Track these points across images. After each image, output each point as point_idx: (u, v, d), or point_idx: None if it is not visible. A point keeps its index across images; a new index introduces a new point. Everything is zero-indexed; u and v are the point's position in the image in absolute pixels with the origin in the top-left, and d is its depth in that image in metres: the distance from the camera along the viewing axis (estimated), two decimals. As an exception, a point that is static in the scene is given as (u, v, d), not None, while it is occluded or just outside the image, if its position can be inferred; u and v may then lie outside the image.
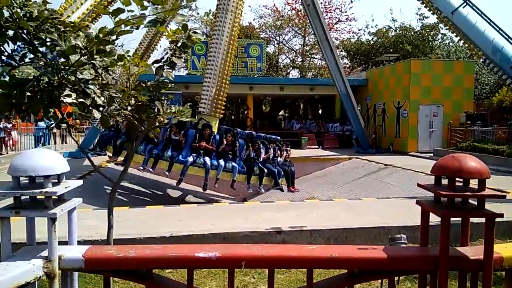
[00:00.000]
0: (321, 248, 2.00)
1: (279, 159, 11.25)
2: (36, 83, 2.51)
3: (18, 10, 2.66)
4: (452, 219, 1.79)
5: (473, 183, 1.85)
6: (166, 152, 9.74)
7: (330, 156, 17.60)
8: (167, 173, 9.93)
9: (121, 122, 10.64)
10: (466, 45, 14.87)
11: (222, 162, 9.88)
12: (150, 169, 10.06)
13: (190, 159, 9.63)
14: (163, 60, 3.68)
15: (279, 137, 12.63)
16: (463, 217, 1.91)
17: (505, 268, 1.85)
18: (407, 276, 4.34)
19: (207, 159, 9.80)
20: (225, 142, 10.03)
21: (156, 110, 3.68)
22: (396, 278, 2.16)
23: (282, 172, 10.95)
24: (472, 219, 1.92)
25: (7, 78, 2.74)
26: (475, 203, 1.87)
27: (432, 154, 16.46)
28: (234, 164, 10.03)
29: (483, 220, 1.80)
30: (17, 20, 2.60)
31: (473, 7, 13.39)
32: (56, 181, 1.93)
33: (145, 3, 2.71)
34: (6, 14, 2.59)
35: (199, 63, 23.37)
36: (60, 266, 1.81)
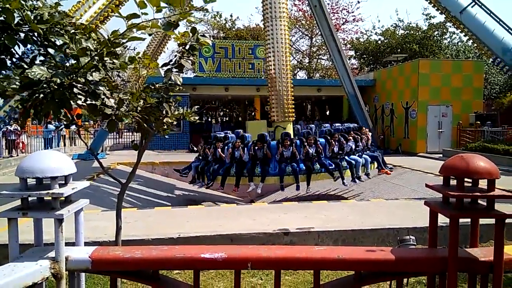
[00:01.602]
0: (328, 249, 1.98)
1: (359, 145, 10.92)
2: (46, 85, 2.53)
3: (29, 12, 2.69)
4: (461, 220, 1.77)
5: (483, 184, 1.82)
6: (256, 168, 9.81)
7: (338, 157, 17.50)
8: (259, 191, 9.96)
9: (202, 148, 10.78)
10: (475, 45, 14.72)
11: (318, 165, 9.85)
12: (259, 189, 10.05)
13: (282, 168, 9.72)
14: (171, 63, 3.69)
15: (355, 124, 12.49)
16: (472, 218, 1.88)
17: (516, 270, 1.82)
18: (416, 278, 4.29)
19: (295, 165, 9.78)
20: (333, 143, 9.96)
21: (164, 112, 3.70)
22: (405, 280, 2.13)
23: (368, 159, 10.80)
24: (482, 220, 1.89)
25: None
26: (485, 203, 1.84)
27: (441, 155, 16.29)
28: (322, 162, 9.95)
29: (493, 221, 1.77)
30: (28, 22, 2.63)
31: (482, 6, 13.25)
32: (63, 182, 1.95)
33: (162, 4, 2.72)
34: (17, 16, 2.62)
35: (206, 65, 23.45)
36: (67, 267, 1.82)
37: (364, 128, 11.61)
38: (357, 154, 10.54)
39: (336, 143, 10.05)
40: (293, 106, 11.98)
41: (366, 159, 10.39)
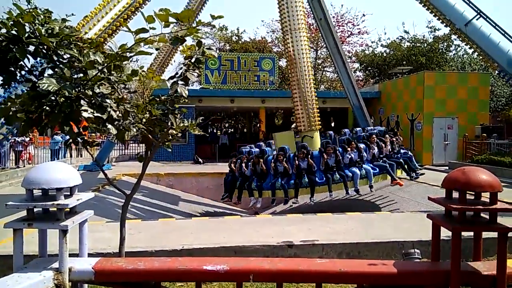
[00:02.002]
0: (330, 262, 1.98)
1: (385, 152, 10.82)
2: (54, 97, 2.58)
3: (40, 26, 2.76)
4: (466, 233, 1.76)
5: (486, 196, 1.82)
6: (303, 179, 9.85)
7: (343, 169, 17.42)
8: (312, 200, 10.00)
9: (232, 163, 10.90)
10: (481, 57, 14.72)
11: (357, 170, 9.93)
12: (297, 200, 10.09)
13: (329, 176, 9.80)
14: (177, 76, 3.74)
15: (382, 128, 12.31)
16: (475, 231, 1.87)
17: (519, 284, 1.80)
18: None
19: (341, 172, 9.87)
20: (325, 156, 9.89)
21: (169, 123, 3.73)
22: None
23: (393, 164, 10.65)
24: (489, 234, 1.87)
25: (18, 91, 2.84)
26: (488, 217, 1.83)
27: (447, 167, 16.18)
28: (367, 168, 9.97)
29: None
30: (39, 36, 2.69)
31: (487, 19, 13.28)
32: (69, 193, 1.97)
33: (170, 19, 2.77)
34: (28, 30, 2.68)
35: (212, 77, 23.62)
36: (70, 278, 1.84)
37: (375, 135, 10.83)
38: (360, 165, 10.33)
39: (331, 156, 9.94)
40: (319, 114, 12.00)
41: (367, 171, 10.15)
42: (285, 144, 10.76)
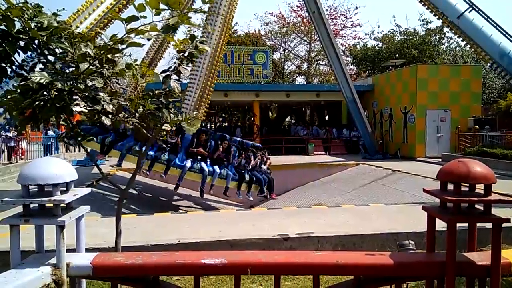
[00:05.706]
0: (327, 254, 2.00)
1: (264, 167, 11.63)
2: (46, 92, 2.56)
3: (29, 20, 2.73)
4: (461, 224, 1.79)
5: (480, 188, 1.84)
6: (163, 154, 9.81)
7: (337, 162, 17.52)
8: (164, 176, 10.05)
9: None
10: (473, 50, 14.81)
11: (217, 168, 10.10)
12: (147, 172, 10.16)
13: (188, 164, 9.88)
14: (170, 70, 3.72)
15: (261, 145, 12.99)
16: (470, 222, 1.90)
17: (513, 273, 1.83)
18: (415, 282, 4.30)
19: (204, 164, 10.02)
20: (220, 148, 10.22)
21: (164, 118, 3.71)
22: (404, 285, 2.14)
23: (267, 180, 11.36)
24: (484, 224, 1.90)
25: (10, 86, 2.81)
26: (482, 208, 1.86)
27: (440, 160, 16.32)
28: (228, 171, 10.31)
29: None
30: (28, 30, 2.66)
31: (479, 11, 13.36)
32: (65, 189, 1.96)
33: (161, 6, 2.74)
34: (18, 24, 2.65)
35: (206, 71, 23.49)
36: (68, 273, 1.84)
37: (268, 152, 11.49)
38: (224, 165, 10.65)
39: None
40: (207, 107, 11.97)
41: (227, 173, 10.44)
42: None
